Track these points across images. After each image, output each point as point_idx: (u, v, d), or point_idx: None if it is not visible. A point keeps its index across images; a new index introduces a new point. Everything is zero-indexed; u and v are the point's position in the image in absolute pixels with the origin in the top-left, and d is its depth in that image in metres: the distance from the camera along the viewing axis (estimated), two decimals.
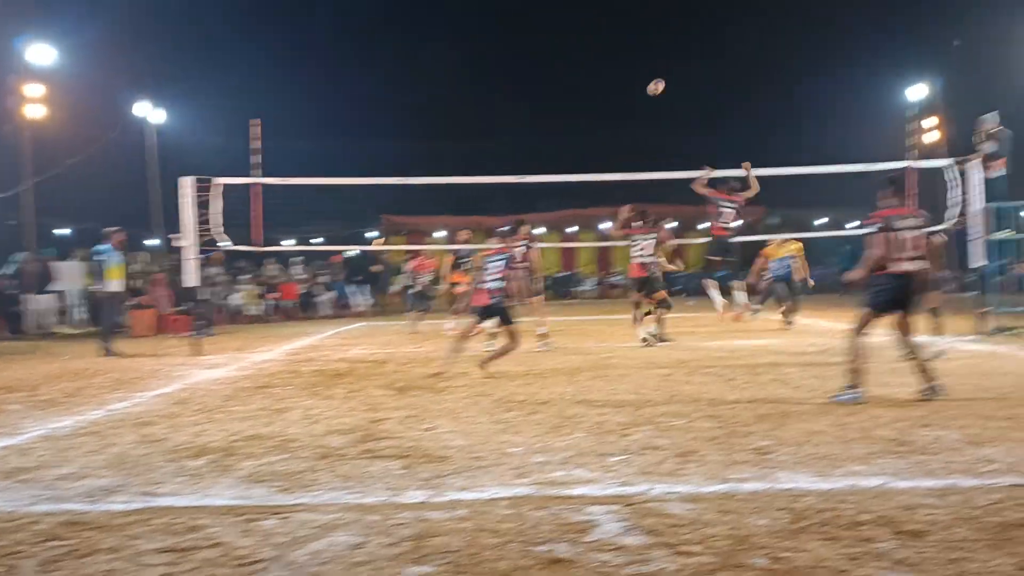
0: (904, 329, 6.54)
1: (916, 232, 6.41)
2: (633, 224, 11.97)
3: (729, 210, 11.50)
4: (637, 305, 11.98)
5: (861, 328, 6.49)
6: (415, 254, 17.93)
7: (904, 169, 12.99)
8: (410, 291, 17.24)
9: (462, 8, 55.34)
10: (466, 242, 14.21)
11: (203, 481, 4.39)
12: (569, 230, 35.65)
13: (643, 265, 11.68)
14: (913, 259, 6.37)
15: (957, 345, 10.11)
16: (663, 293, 11.89)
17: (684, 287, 21.95)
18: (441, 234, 33.54)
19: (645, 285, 11.78)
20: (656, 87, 11.63)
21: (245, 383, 8.62)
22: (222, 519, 3.68)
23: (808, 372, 8.14)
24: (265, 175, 13.03)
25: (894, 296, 6.41)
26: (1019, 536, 3.19)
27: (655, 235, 11.76)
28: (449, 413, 6.34)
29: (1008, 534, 3.22)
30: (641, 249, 11.68)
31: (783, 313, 13.81)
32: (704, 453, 4.71)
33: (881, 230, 6.40)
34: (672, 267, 13.14)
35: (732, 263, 11.64)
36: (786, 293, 13.58)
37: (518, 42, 54.53)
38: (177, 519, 3.69)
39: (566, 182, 15.49)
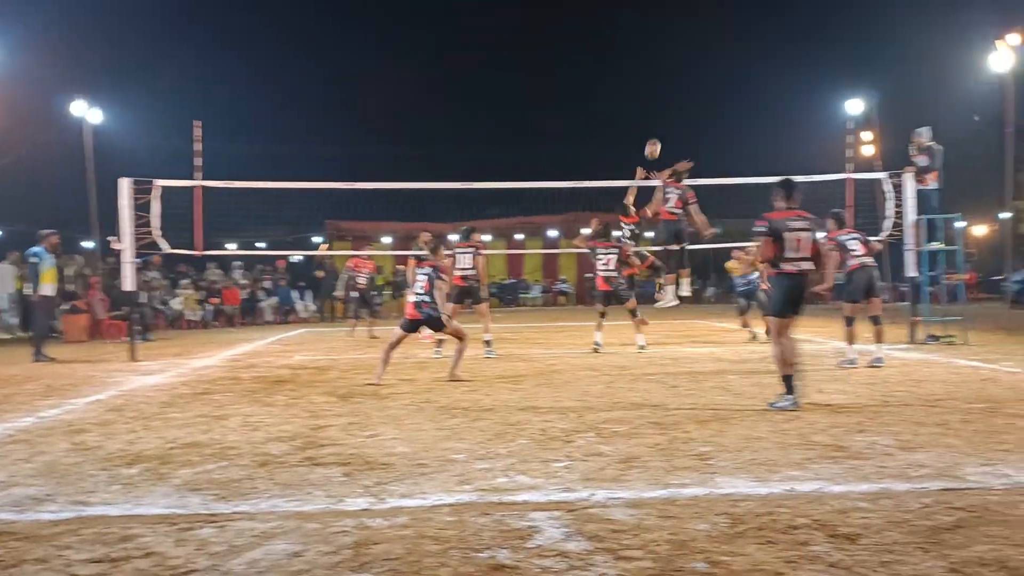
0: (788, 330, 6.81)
1: (805, 234, 6.63)
2: (597, 237, 12.11)
3: (674, 196, 11.69)
4: (602, 315, 12.12)
5: (779, 334, 6.70)
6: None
7: (847, 178, 13.33)
8: (352, 295, 17.02)
9: (412, 11, 55.24)
10: (427, 243, 14.06)
11: (137, 490, 4.28)
12: (516, 237, 35.71)
13: (607, 279, 11.84)
14: (802, 259, 6.63)
15: (890, 353, 10.37)
16: (633, 303, 12.03)
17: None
18: (387, 240, 33.38)
19: (611, 298, 11.96)
20: (653, 149, 11.90)
21: (183, 390, 8.44)
22: (156, 528, 3.59)
23: (749, 379, 8.27)
24: (207, 178, 12.79)
25: (791, 296, 6.65)
26: (949, 539, 3.28)
27: (617, 249, 11.88)
28: (393, 420, 6.29)
29: (938, 537, 3.30)
30: (605, 263, 11.81)
31: (743, 326, 13.70)
32: (646, 459, 4.75)
33: (767, 232, 6.64)
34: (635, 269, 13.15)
35: (683, 248, 11.80)
36: (747, 307, 13.52)
37: (469, 47, 54.68)
38: (109, 528, 3.60)
39: (514, 189, 15.48)
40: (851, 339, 9.49)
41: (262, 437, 5.67)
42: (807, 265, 6.65)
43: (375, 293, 18.91)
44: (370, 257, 17.40)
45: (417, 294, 8.76)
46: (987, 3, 28.72)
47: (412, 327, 8.91)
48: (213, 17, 48.05)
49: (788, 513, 3.65)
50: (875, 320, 9.44)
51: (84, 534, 3.54)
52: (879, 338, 9.42)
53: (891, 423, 5.74)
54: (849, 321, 9.53)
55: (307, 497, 4.07)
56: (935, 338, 11.99)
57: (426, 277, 8.76)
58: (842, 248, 9.47)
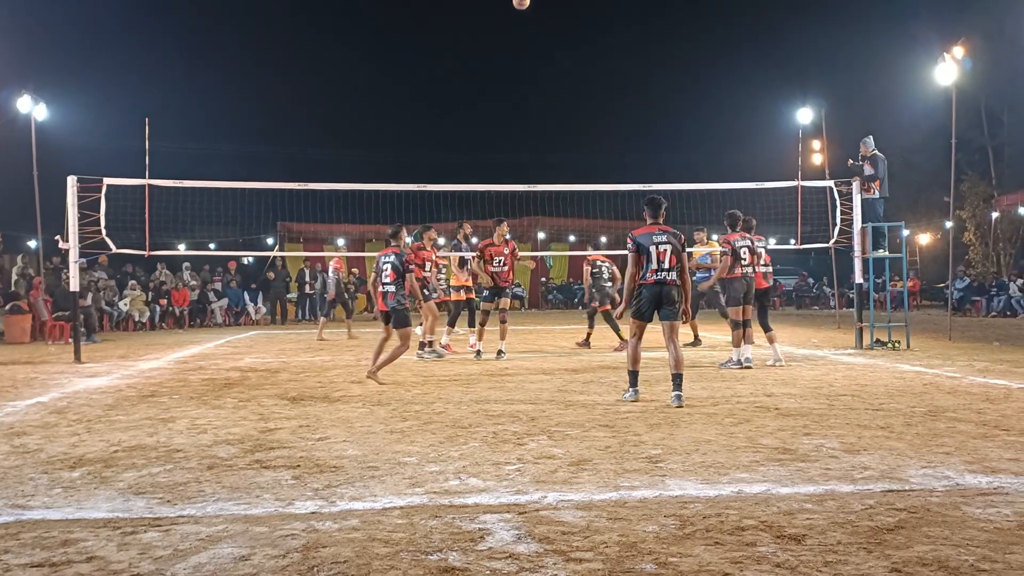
0: (670, 337, 7.22)
1: (668, 247, 7.13)
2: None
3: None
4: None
5: (634, 335, 7.34)
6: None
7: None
8: (336, 294, 16.87)
9: (366, 13, 54.94)
10: (467, 236, 13.68)
11: (79, 493, 4.18)
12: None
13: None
14: (664, 270, 7.12)
15: (837, 357, 10.58)
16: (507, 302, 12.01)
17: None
18: (340, 242, 33.05)
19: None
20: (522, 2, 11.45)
21: (129, 392, 8.27)
22: (98, 532, 3.51)
23: (698, 383, 8.37)
24: (157, 176, 12.55)
25: (650, 303, 7.15)
26: (891, 540, 3.35)
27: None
28: (343, 423, 6.24)
29: (880, 537, 3.37)
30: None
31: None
32: (597, 462, 4.78)
33: (634, 248, 7.17)
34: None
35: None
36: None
37: (429, 50, 54.58)
38: (49, 532, 3.51)
39: (469, 192, 15.42)
40: (738, 341, 9.78)
41: (210, 440, 5.58)
42: (670, 276, 7.12)
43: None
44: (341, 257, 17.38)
45: (384, 284, 8.59)
46: (933, 17, 29.54)
47: (386, 319, 8.70)
48: (164, 13, 47.28)
49: (736, 514, 3.70)
50: (746, 324, 9.85)
51: (24, 538, 3.45)
52: (749, 340, 9.89)
53: (836, 426, 5.85)
54: (736, 325, 9.79)
55: (255, 500, 4.01)
56: (881, 343, 12.26)
57: (389, 265, 8.58)
58: (734, 255, 9.71)
